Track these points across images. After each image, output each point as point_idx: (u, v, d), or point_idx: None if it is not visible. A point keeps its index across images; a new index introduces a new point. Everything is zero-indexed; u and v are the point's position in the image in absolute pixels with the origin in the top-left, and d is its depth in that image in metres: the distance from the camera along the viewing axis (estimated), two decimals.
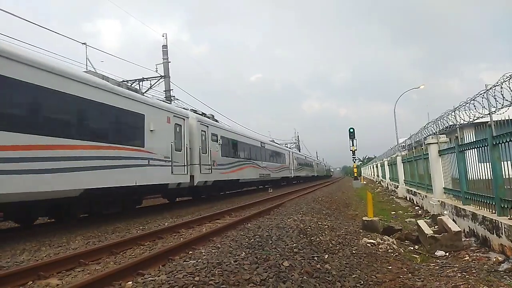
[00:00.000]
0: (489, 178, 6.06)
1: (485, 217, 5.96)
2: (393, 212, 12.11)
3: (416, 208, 12.65)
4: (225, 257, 4.55)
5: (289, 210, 10.46)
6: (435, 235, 6.41)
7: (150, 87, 19.08)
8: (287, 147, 43.94)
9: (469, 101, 7.41)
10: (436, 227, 7.40)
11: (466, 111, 7.70)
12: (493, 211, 5.94)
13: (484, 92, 6.57)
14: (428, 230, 6.76)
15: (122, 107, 10.08)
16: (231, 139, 18.91)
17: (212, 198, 17.70)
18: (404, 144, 20.30)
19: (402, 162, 17.84)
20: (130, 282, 3.85)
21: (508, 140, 5.33)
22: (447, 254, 6.03)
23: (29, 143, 7.14)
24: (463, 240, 6.40)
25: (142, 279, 3.85)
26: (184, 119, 13.49)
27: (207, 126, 15.69)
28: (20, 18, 10.87)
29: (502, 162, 5.60)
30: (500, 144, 5.61)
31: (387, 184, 25.01)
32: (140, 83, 18.69)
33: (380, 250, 6.35)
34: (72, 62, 9.73)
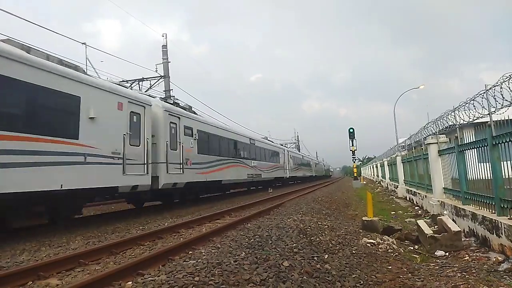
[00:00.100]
0: (489, 178, 6.06)
1: (485, 217, 5.97)
2: (393, 212, 12.11)
3: (416, 208, 12.66)
4: (225, 257, 4.55)
5: (289, 210, 10.46)
6: (435, 235, 6.42)
7: (150, 87, 19.10)
8: (286, 146, 43.42)
9: (469, 101, 7.42)
10: (436, 227, 7.40)
11: (466, 111, 7.71)
12: (493, 211, 5.94)
13: (484, 92, 6.58)
14: (428, 230, 6.76)
15: (43, 85, 7.58)
16: (212, 133, 16.46)
17: (213, 198, 17.65)
18: (404, 144, 20.32)
19: (402, 162, 17.84)
20: (130, 282, 3.86)
21: (507, 140, 5.34)
22: (447, 254, 6.03)
23: None
24: (463, 240, 6.40)
25: (142, 279, 3.86)
26: (144, 107, 10.97)
27: (179, 118, 13.12)
28: (20, 18, 10.85)
29: (501, 162, 5.61)
30: (499, 144, 5.61)
31: (387, 184, 25.02)
32: (140, 83, 18.71)
33: (380, 250, 6.35)
34: (72, 62, 9.63)
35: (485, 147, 6.19)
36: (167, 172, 11.88)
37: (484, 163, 6.34)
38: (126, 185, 10.01)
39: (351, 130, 27.28)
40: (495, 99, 6.11)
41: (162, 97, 19.54)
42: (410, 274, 4.92)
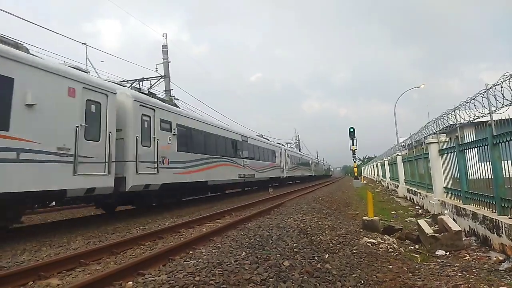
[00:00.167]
0: (490, 177, 6.06)
1: (486, 216, 5.96)
2: (393, 212, 12.10)
3: (417, 207, 12.65)
4: (225, 257, 4.55)
5: (289, 210, 10.47)
6: (436, 235, 6.41)
7: (150, 87, 19.09)
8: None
9: (469, 101, 7.41)
10: (436, 226, 7.40)
11: (466, 111, 7.70)
12: (494, 211, 5.94)
13: (485, 92, 6.57)
14: (428, 230, 6.76)
15: None
16: (196, 129, 14.74)
17: (213, 198, 17.64)
18: (404, 144, 20.31)
19: (403, 162, 17.83)
20: (131, 282, 3.86)
21: (508, 140, 5.33)
22: (448, 253, 6.03)
23: None
24: (463, 239, 6.40)
25: (142, 279, 3.86)
26: (107, 95, 9.29)
27: (153, 110, 11.52)
28: (20, 18, 10.85)
29: (502, 162, 5.60)
30: (500, 144, 5.61)
31: (388, 183, 25.01)
32: (140, 83, 18.70)
33: (380, 249, 6.35)
34: (72, 62, 9.58)
35: (486, 147, 6.18)
36: (137, 172, 10.25)
37: (485, 162, 6.34)
38: (78, 188, 8.31)
39: (352, 130, 27.29)
40: (495, 98, 6.11)
41: (163, 96, 19.59)
42: (410, 274, 4.92)
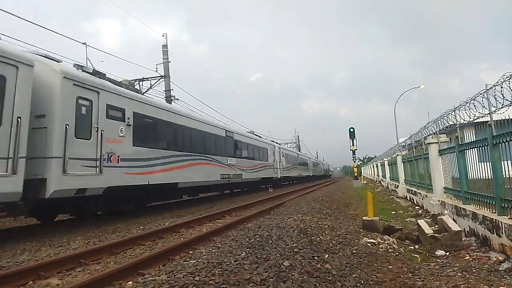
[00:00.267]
0: (489, 177, 6.06)
1: (485, 216, 5.97)
2: (393, 212, 12.11)
3: (416, 207, 12.66)
4: (225, 257, 4.55)
5: (289, 210, 10.47)
6: (436, 235, 6.42)
7: (150, 87, 19.13)
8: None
9: (469, 101, 7.41)
10: (436, 226, 7.41)
11: (466, 111, 7.71)
12: (493, 211, 5.94)
13: (484, 92, 6.57)
14: (428, 230, 6.76)
15: None
16: (161, 119, 12.05)
17: (213, 198, 17.63)
18: (404, 144, 20.31)
19: (402, 162, 17.84)
20: (131, 282, 3.86)
21: (508, 140, 5.34)
22: (447, 253, 6.03)
23: None
24: (463, 239, 6.40)
25: (142, 279, 3.86)
26: (16, 67, 6.92)
27: (97, 92, 9.04)
28: (20, 18, 10.84)
29: (502, 162, 5.61)
30: (500, 144, 5.61)
31: (387, 183, 25.01)
32: (140, 83, 18.72)
33: (380, 249, 6.35)
34: (72, 62, 9.55)
35: (486, 147, 6.18)
36: (65, 172, 7.79)
37: (485, 163, 6.34)
38: None
39: (352, 130, 27.26)
40: (495, 98, 6.11)
41: (162, 96, 19.60)
42: (410, 274, 4.92)
